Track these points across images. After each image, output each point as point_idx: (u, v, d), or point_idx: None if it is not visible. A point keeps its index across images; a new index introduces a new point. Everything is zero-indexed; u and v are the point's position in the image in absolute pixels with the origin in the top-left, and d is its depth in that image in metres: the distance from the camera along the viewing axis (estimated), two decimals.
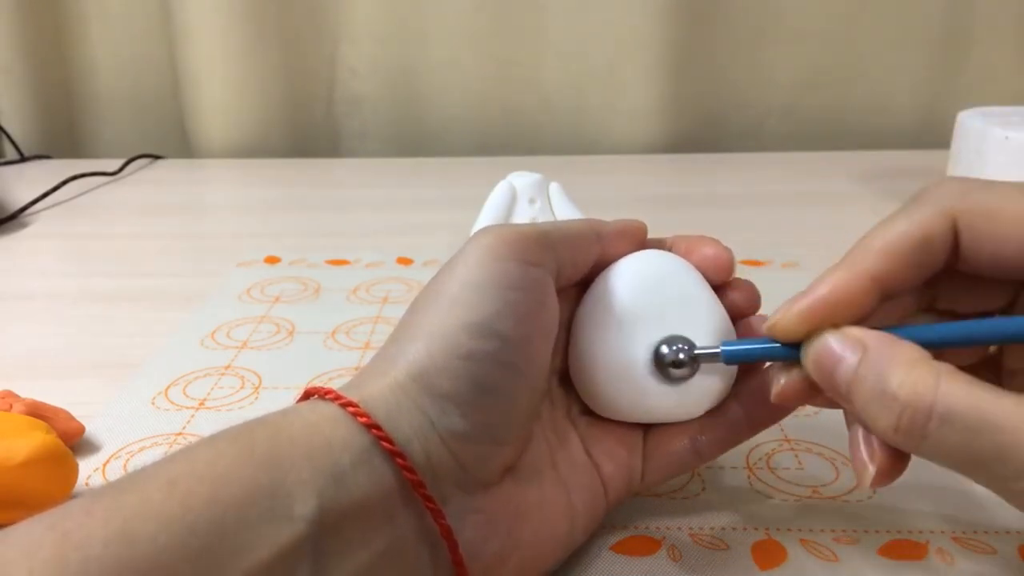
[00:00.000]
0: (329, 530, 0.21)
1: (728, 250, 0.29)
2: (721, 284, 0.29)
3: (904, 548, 0.28)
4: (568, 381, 0.29)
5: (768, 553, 0.27)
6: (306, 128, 0.87)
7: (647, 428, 0.29)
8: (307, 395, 0.24)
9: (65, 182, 0.70)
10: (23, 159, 0.83)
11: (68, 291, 0.51)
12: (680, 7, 0.81)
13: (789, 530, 0.29)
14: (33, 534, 0.18)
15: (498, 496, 0.24)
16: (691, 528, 0.29)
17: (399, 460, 0.22)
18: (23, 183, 0.71)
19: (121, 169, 0.78)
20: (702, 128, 0.86)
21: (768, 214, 0.64)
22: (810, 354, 0.23)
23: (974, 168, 0.56)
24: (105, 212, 0.68)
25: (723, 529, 0.29)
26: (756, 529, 0.29)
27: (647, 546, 0.28)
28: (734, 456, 0.33)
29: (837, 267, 0.24)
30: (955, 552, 0.27)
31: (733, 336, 0.28)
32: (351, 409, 0.22)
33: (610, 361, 0.27)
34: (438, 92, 0.86)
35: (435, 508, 0.22)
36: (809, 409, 0.36)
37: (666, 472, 0.29)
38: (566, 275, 0.27)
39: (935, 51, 0.83)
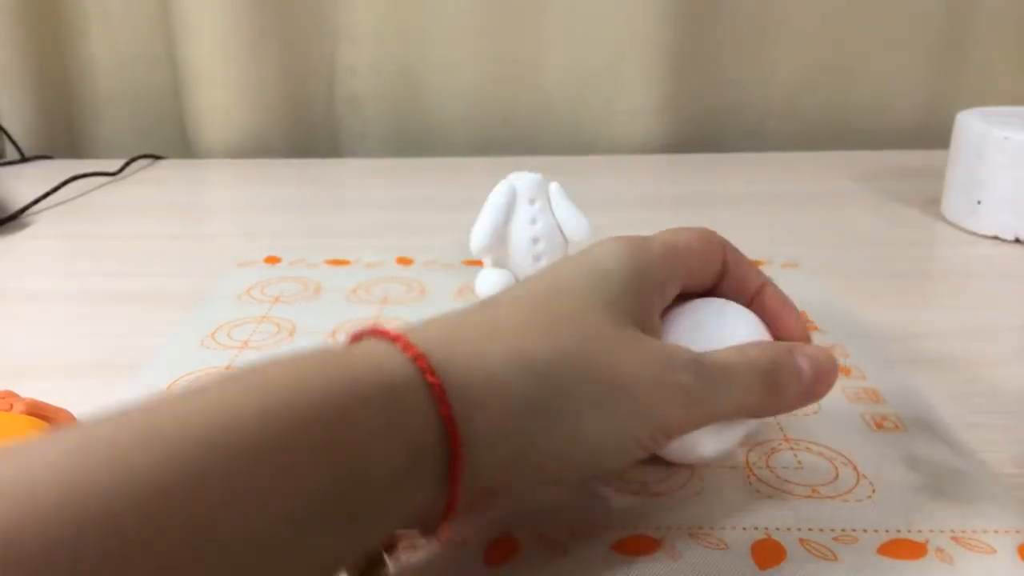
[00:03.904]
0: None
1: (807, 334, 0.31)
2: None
3: (904, 547, 0.28)
4: None
5: (767, 552, 0.27)
6: (306, 128, 0.87)
7: None
8: (382, 335, 0.24)
9: (66, 182, 0.71)
10: (24, 159, 0.84)
11: (69, 291, 0.51)
12: (680, 7, 0.81)
13: (788, 529, 0.29)
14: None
15: None
16: (691, 528, 0.29)
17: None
18: (24, 183, 0.71)
19: (122, 169, 0.78)
20: (702, 128, 0.86)
21: (768, 214, 0.64)
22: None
23: (973, 168, 0.57)
24: (106, 212, 0.68)
25: (722, 529, 0.29)
26: (755, 529, 0.29)
27: (647, 546, 0.28)
28: (733, 455, 0.33)
29: None
30: (954, 552, 0.27)
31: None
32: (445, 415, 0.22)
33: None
34: (438, 92, 0.86)
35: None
36: (808, 408, 0.36)
37: None
38: None
39: (935, 51, 0.83)
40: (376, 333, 0.24)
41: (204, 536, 0.18)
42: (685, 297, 0.31)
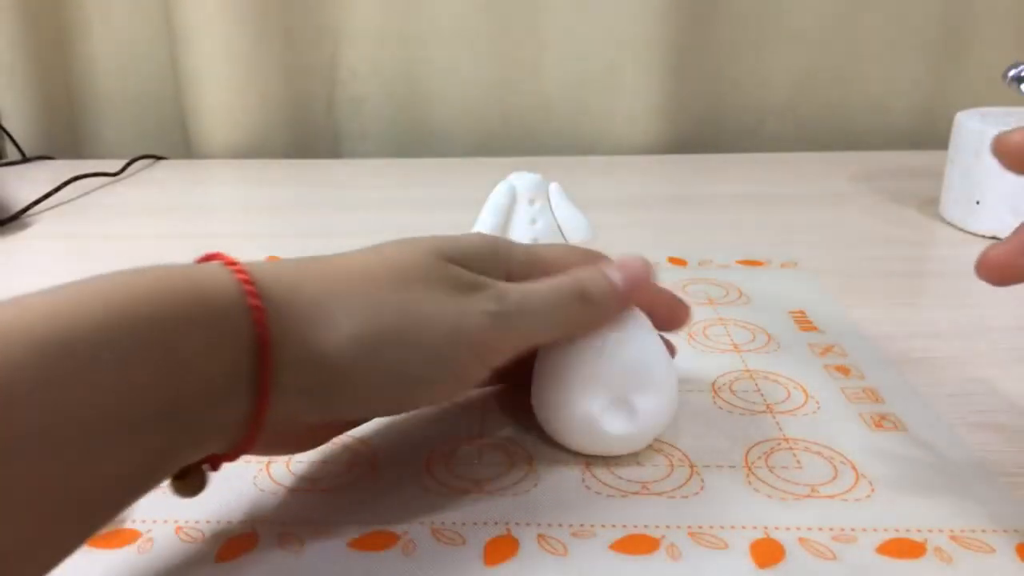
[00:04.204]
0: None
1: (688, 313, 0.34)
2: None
3: (902, 546, 0.28)
4: None
5: (766, 552, 0.28)
6: (307, 129, 0.87)
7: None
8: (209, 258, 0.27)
9: (67, 183, 0.71)
10: (25, 160, 0.84)
11: None
12: (680, 8, 0.81)
13: (787, 529, 0.29)
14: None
15: None
16: (690, 527, 0.29)
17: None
18: (25, 184, 0.71)
19: (123, 170, 0.78)
20: (702, 129, 0.86)
21: (768, 214, 0.64)
22: None
23: (972, 168, 0.57)
24: (107, 213, 0.68)
25: (722, 528, 0.29)
26: (755, 528, 0.29)
27: (646, 545, 0.28)
28: (732, 455, 0.33)
29: None
30: (953, 551, 0.27)
31: (674, 392, 0.32)
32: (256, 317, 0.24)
33: (567, 413, 0.32)
34: (438, 93, 0.86)
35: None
36: (807, 408, 0.36)
37: None
38: None
39: (934, 52, 0.83)
40: (218, 258, 0.26)
41: (35, 433, 0.19)
42: None
